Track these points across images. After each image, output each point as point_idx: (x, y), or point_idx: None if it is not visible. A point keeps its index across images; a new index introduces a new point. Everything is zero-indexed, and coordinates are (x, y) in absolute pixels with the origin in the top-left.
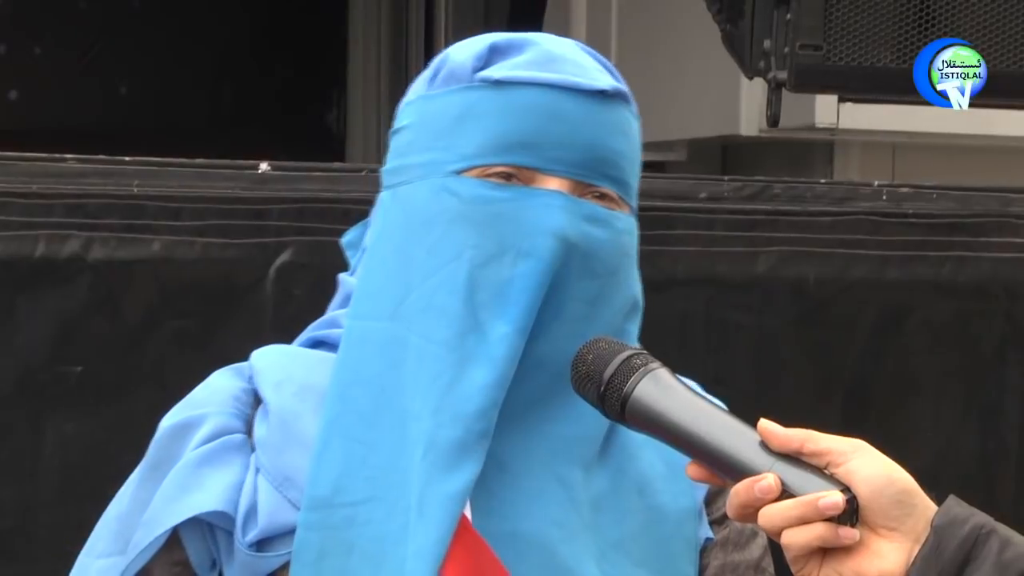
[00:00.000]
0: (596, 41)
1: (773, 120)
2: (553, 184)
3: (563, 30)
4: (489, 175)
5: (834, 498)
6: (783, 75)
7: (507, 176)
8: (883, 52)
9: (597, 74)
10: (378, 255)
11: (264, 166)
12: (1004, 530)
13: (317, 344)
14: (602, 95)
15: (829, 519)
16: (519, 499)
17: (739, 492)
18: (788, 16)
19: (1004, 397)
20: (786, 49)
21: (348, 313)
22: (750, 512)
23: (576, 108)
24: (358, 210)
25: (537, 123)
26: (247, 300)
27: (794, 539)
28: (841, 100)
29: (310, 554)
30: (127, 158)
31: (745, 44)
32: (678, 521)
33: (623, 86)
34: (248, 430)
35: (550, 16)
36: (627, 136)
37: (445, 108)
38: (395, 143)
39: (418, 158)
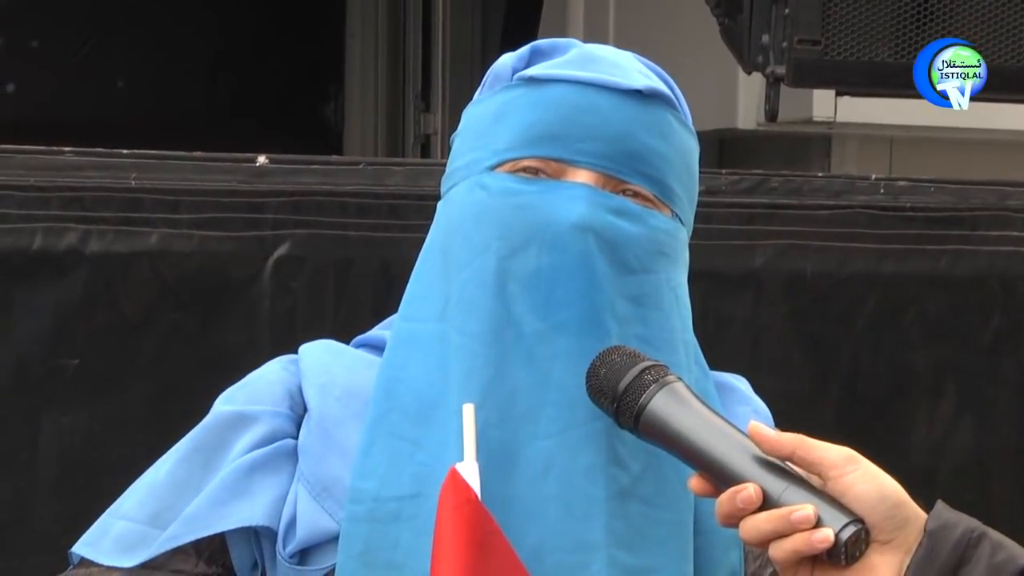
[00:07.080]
0: (593, 33)
1: (771, 115)
2: (581, 177)
3: (561, 23)
4: (519, 169)
5: (805, 512)
6: (781, 70)
7: (535, 171)
8: (881, 47)
9: (637, 75)
10: (426, 258)
11: (262, 159)
12: (994, 534)
13: (363, 345)
14: (638, 94)
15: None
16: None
17: (723, 502)
18: (786, 11)
19: (1000, 390)
20: (784, 44)
21: (397, 315)
22: (735, 523)
23: (609, 104)
24: (355, 203)
25: (566, 115)
26: (244, 293)
27: (774, 552)
28: (839, 94)
29: (356, 546)
30: (124, 151)
31: (743, 39)
32: (724, 548)
33: (666, 90)
34: (298, 433)
35: (547, 9)
36: (666, 138)
37: (486, 109)
38: (452, 151)
39: (463, 160)
